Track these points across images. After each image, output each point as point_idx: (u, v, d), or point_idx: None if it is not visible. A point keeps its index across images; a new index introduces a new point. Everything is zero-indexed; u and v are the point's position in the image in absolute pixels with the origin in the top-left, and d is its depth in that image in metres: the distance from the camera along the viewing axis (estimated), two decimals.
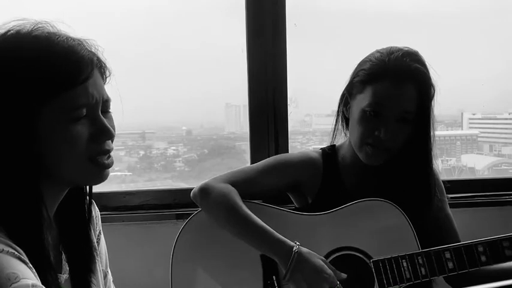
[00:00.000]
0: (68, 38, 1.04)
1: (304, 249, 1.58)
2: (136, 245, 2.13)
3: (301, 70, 2.33)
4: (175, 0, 2.34)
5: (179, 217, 2.11)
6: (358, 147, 1.70)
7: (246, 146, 2.31)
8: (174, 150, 2.59)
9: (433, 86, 1.68)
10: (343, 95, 1.78)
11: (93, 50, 1.07)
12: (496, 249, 1.59)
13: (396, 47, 1.69)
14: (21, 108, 0.97)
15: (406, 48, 1.68)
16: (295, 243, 1.58)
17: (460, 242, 1.70)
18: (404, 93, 1.63)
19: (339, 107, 1.81)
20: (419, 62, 1.66)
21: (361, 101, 1.67)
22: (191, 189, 1.73)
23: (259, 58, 2.22)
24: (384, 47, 1.71)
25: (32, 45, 1.01)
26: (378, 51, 1.70)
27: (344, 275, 1.58)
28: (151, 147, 2.55)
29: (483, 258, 1.58)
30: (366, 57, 1.73)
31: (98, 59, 1.07)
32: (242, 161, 2.47)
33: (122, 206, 2.17)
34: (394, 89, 1.63)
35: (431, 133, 1.71)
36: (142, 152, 2.51)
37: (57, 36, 1.03)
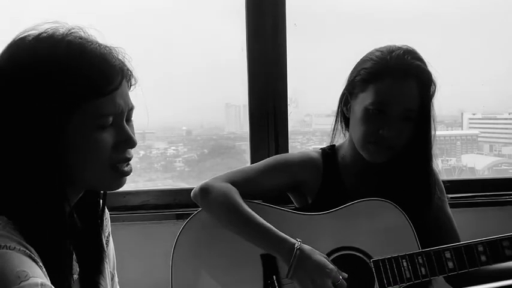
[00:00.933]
0: (99, 45, 1.04)
1: (305, 246, 1.58)
2: (136, 245, 2.12)
3: (301, 70, 2.33)
4: (176, 0, 2.33)
5: (179, 217, 2.11)
6: (361, 146, 1.70)
7: (246, 146, 2.31)
8: (174, 150, 2.59)
9: (434, 83, 1.69)
10: (343, 95, 1.78)
11: (121, 58, 1.07)
12: (496, 249, 1.59)
13: (395, 45, 1.70)
14: (53, 112, 0.98)
15: (405, 47, 1.69)
16: (297, 240, 1.59)
17: (460, 242, 1.70)
18: (407, 90, 1.64)
19: (338, 107, 1.81)
20: (419, 60, 1.67)
21: (364, 99, 1.67)
22: (191, 189, 1.73)
23: (259, 58, 2.22)
24: (382, 46, 1.72)
25: (66, 50, 1.01)
26: (377, 50, 1.71)
27: (345, 275, 1.58)
28: (151, 147, 2.55)
29: (483, 258, 1.58)
30: (365, 56, 1.73)
31: (127, 68, 1.08)
32: (242, 161, 2.47)
33: (122, 206, 2.17)
34: (397, 87, 1.64)
35: (432, 131, 1.71)
36: (142, 152, 2.51)
37: (89, 43, 1.03)
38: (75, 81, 0.99)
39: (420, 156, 1.72)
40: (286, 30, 2.23)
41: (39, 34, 1.03)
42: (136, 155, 2.47)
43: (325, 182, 1.79)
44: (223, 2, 2.35)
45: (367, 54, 1.73)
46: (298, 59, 2.29)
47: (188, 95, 2.38)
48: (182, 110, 2.45)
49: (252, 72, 2.23)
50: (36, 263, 0.95)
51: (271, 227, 1.61)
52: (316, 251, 1.58)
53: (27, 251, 0.94)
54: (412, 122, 1.66)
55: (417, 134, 1.68)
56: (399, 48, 1.68)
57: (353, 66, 1.76)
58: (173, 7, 2.30)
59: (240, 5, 2.21)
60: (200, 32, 2.32)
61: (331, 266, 1.56)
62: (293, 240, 1.59)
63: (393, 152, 1.68)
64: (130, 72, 1.10)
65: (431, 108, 1.70)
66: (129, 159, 1.10)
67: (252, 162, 2.20)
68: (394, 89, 1.63)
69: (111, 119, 1.04)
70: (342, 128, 1.84)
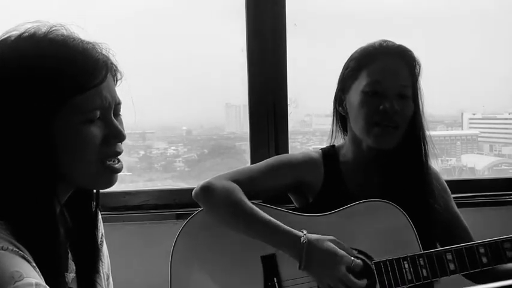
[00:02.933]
0: (82, 41, 1.05)
1: (312, 237, 1.57)
2: (136, 245, 2.12)
3: (301, 70, 2.33)
4: (176, 0, 2.33)
5: (179, 217, 2.11)
6: (365, 131, 1.70)
7: (246, 146, 2.30)
8: (174, 150, 2.58)
9: (418, 62, 1.75)
10: (336, 95, 1.82)
11: (105, 53, 1.07)
12: (497, 251, 1.59)
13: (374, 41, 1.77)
14: (38, 110, 0.98)
15: (383, 39, 1.77)
16: (302, 232, 1.58)
17: (471, 238, 1.75)
18: (398, 68, 1.71)
19: (334, 108, 1.84)
20: (400, 44, 1.75)
21: (358, 86, 1.71)
22: (191, 189, 1.72)
23: (259, 58, 2.22)
24: None
25: (49, 48, 1.01)
26: (360, 47, 1.78)
27: (359, 262, 1.56)
28: (151, 147, 2.54)
29: (484, 260, 1.58)
30: (351, 55, 1.79)
31: (111, 62, 1.08)
32: (242, 161, 2.46)
33: (122, 206, 2.17)
34: (388, 65, 1.71)
35: (422, 111, 1.75)
36: (142, 152, 2.51)
37: (72, 40, 1.04)
38: (60, 77, 0.99)
39: (415, 139, 1.74)
40: (286, 30, 2.23)
41: (21, 34, 1.03)
42: (136, 155, 2.47)
43: (326, 182, 1.79)
44: (223, 2, 2.34)
45: (352, 53, 1.80)
46: (298, 59, 2.29)
47: (188, 95, 2.38)
48: (182, 110, 2.45)
49: (252, 72, 2.23)
50: (29, 263, 0.94)
51: (276, 221, 1.60)
52: (323, 238, 1.57)
53: (20, 251, 0.94)
54: (409, 100, 1.70)
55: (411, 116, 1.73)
56: (379, 40, 1.76)
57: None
58: (173, 7, 2.29)
59: (240, 5, 2.21)
60: (200, 32, 2.31)
61: (340, 251, 1.54)
62: (299, 233, 1.57)
63: (398, 134, 1.70)
64: (115, 66, 1.10)
65: (420, 89, 1.75)
66: (119, 153, 1.09)
67: (252, 162, 2.20)
68: (385, 67, 1.70)
69: (98, 113, 1.04)
70: (340, 129, 1.85)
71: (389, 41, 1.75)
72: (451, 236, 1.77)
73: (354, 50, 1.79)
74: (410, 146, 1.74)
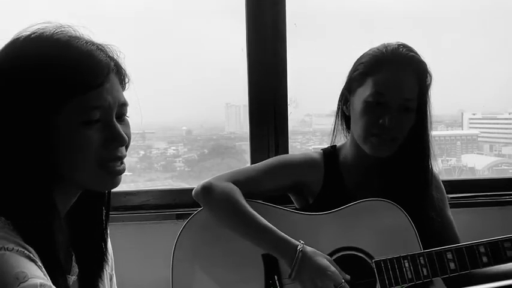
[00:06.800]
0: (87, 42, 1.04)
1: (308, 248, 1.58)
2: (136, 245, 2.12)
3: (301, 70, 2.32)
4: (176, 1, 2.33)
5: (179, 217, 2.11)
6: (363, 139, 1.70)
7: (246, 146, 2.30)
8: (174, 150, 2.59)
9: (429, 74, 1.71)
10: (342, 94, 1.80)
11: (112, 55, 1.07)
12: (498, 250, 1.59)
13: (389, 42, 1.72)
14: (38, 109, 0.98)
15: (400, 42, 1.72)
16: (300, 242, 1.59)
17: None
18: (405, 81, 1.66)
19: (338, 106, 1.82)
20: (414, 52, 1.70)
21: (363, 93, 1.68)
22: (191, 189, 1.73)
23: (259, 58, 2.22)
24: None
25: (51, 48, 1.02)
26: (373, 48, 1.74)
27: (347, 277, 1.58)
28: (151, 147, 2.55)
29: (484, 259, 1.58)
30: (362, 54, 1.76)
31: (116, 64, 1.07)
32: (242, 161, 2.47)
33: (122, 206, 2.16)
34: (394, 78, 1.66)
35: (429, 121, 1.72)
36: (142, 152, 2.51)
37: (77, 40, 1.03)
38: (60, 77, 0.99)
39: (418, 150, 1.72)
40: (286, 30, 2.23)
41: (30, 34, 1.03)
42: (136, 155, 2.47)
43: (326, 182, 1.79)
44: (223, 2, 2.34)
45: (364, 52, 1.76)
46: (298, 59, 2.29)
47: (188, 95, 2.38)
48: (182, 110, 2.45)
49: (252, 72, 2.22)
50: (35, 262, 0.94)
51: (274, 228, 1.61)
52: (319, 253, 1.59)
53: (25, 251, 0.94)
54: (412, 113, 1.68)
55: (415, 126, 1.70)
56: (394, 43, 1.71)
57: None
58: (173, 8, 2.29)
59: (240, 5, 2.21)
60: (200, 32, 2.32)
61: (333, 268, 1.57)
62: (296, 242, 1.59)
63: (396, 145, 1.69)
64: (123, 69, 1.09)
65: (428, 100, 1.72)
66: (120, 157, 1.07)
67: (252, 162, 2.19)
68: (391, 79, 1.65)
69: (97, 114, 1.02)
70: (343, 128, 1.84)
71: (404, 47, 1.69)
72: (441, 240, 1.75)
73: (367, 50, 1.75)
74: (412, 155, 1.73)
